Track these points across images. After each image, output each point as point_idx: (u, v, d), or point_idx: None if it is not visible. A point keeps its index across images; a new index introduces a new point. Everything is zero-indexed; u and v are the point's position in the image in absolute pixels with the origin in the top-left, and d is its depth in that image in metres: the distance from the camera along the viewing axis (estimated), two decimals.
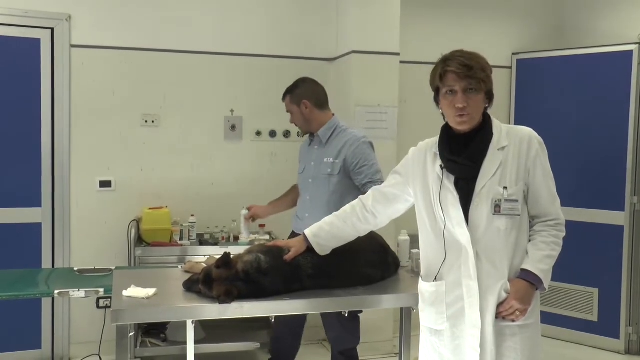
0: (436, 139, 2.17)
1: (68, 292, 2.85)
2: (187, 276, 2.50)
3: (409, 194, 2.28)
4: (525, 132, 2.11)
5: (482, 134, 2.07)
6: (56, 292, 2.84)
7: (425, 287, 2.19)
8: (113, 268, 3.24)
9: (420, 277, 2.26)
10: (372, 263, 2.60)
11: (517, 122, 4.71)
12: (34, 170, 3.97)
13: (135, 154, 4.16)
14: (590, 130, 4.51)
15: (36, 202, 3.99)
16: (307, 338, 3.88)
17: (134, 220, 3.94)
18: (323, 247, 2.41)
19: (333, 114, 3.34)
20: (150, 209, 3.92)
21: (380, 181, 3.03)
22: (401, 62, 4.29)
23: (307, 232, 2.44)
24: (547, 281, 2.04)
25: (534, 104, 4.81)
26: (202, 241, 3.95)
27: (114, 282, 2.58)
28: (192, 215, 3.98)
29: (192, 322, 2.35)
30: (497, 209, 2.02)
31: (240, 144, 4.36)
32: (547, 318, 4.39)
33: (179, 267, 2.92)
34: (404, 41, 4.33)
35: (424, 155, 2.20)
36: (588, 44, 4.68)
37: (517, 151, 2.06)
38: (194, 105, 4.26)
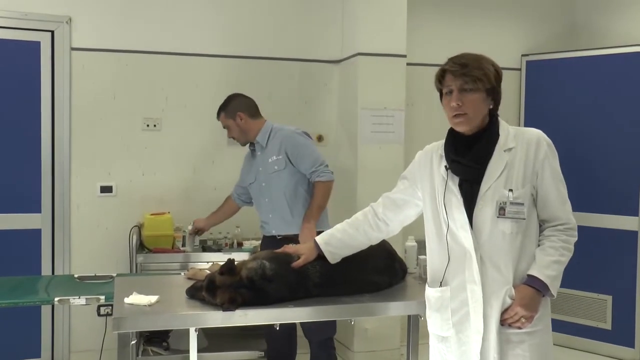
0: (443, 141, 2.18)
1: (68, 299, 2.86)
2: (189, 283, 2.51)
3: (418, 199, 2.29)
4: (533, 133, 2.10)
5: (487, 136, 2.07)
6: (56, 299, 2.85)
7: (431, 293, 2.20)
8: (114, 275, 3.25)
9: (427, 283, 2.27)
10: (379, 269, 2.61)
11: (527, 125, 4.70)
12: (33, 175, 3.99)
13: (136, 159, 4.18)
14: (602, 133, 4.51)
15: (36, 208, 4.01)
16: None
17: (136, 226, 3.95)
18: (334, 255, 2.42)
19: (265, 120, 3.57)
20: (152, 214, 3.93)
21: (323, 167, 3.37)
22: (408, 64, 4.30)
23: (319, 239, 2.44)
24: (554, 288, 2.03)
25: (544, 107, 4.81)
26: (205, 247, 3.95)
27: (115, 289, 2.60)
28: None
29: (195, 330, 2.35)
30: (501, 211, 2.01)
31: (243, 148, 4.37)
32: (559, 326, 4.39)
33: (182, 273, 2.93)
34: (411, 42, 4.34)
35: (430, 157, 2.21)
36: (600, 45, 4.68)
37: (524, 153, 2.05)
38: (196, 108, 4.27)
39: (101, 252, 4.06)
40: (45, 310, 4.03)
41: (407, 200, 2.32)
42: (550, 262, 2.03)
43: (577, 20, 5.15)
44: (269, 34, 4.41)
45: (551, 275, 2.02)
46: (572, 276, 4.20)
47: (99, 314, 2.84)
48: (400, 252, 2.84)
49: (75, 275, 3.34)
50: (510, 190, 2.02)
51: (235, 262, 2.36)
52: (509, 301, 2.02)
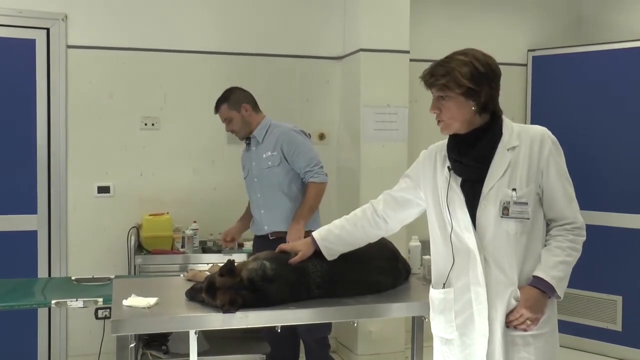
0: (446, 140, 2.19)
1: (65, 302, 2.86)
2: (189, 285, 2.51)
3: (420, 198, 2.29)
4: (537, 131, 2.09)
5: (489, 134, 2.07)
6: (53, 302, 2.86)
7: (434, 295, 2.20)
8: (112, 277, 3.26)
9: (431, 285, 2.27)
10: (382, 270, 2.61)
11: (534, 121, 4.71)
12: (29, 176, 4.01)
13: (134, 158, 4.19)
14: (611, 129, 4.51)
15: (32, 209, 4.02)
16: None
17: (134, 227, 3.97)
18: (331, 251, 2.42)
19: (265, 115, 3.63)
20: (150, 215, 3.95)
21: (318, 167, 3.40)
22: (411, 60, 4.30)
23: (315, 234, 2.45)
24: (561, 289, 2.02)
25: (551, 103, 4.81)
26: (204, 248, 3.97)
27: (113, 292, 2.60)
28: (194, 222, 4.00)
29: (195, 333, 2.36)
30: (505, 211, 2.01)
31: (244, 147, 4.38)
32: (568, 327, 4.39)
33: (181, 275, 2.94)
34: (414, 38, 4.35)
35: (434, 157, 2.22)
36: (608, 39, 4.67)
37: (528, 151, 2.05)
38: (196, 107, 4.28)
39: (99, 254, 4.07)
40: (42, 313, 4.04)
41: (409, 199, 2.33)
42: (556, 263, 2.02)
43: (584, 15, 5.15)
44: (269, 31, 4.42)
45: (557, 276, 2.01)
46: (582, 276, 4.19)
47: (96, 317, 2.85)
48: (403, 252, 2.85)
49: (73, 278, 3.35)
50: (514, 189, 2.02)
51: (236, 263, 2.37)
52: (514, 303, 2.02)
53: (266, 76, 4.39)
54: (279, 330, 2.44)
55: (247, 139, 3.62)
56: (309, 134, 3.76)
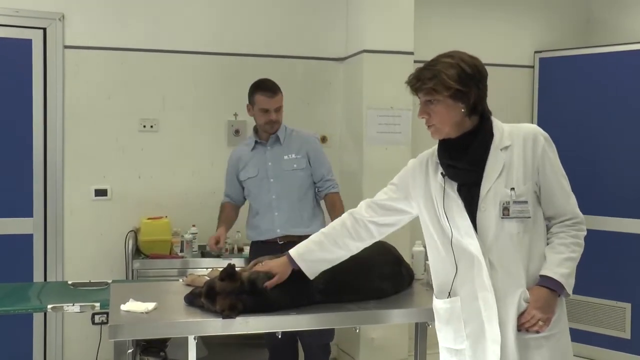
0: (436, 147, 2.18)
1: (62, 306, 2.87)
2: (188, 290, 2.52)
3: (409, 207, 2.27)
4: (529, 128, 2.12)
5: (480, 137, 2.07)
6: (49, 306, 2.87)
7: (439, 305, 2.19)
8: (109, 281, 3.26)
9: (434, 295, 2.26)
10: (385, 275, 2.62)
11: (540, 124, 4.68)
12: (25, 179, 4.01)
13: (132, 161, 4.19)
14: (619, 132, 4.51)
15: (27, 212, 4.03)
16: None
17: (132, 230, 3.97)
18: (312, 270, 2.36)
19: None
20: (148, 219, 3.95)
21: (333, 179, 3.52)
22: (415, 61, 4.29)
23: (293, 252, 2.36)
24: (569, 286, 2.03)
25: (558, 105, 4.81)
26: (204, 253, 3.97)
27: (111, 296, 2.60)
28: (193, 226, 4.01)
29: (194, 339, 2.36)
30: (505, 212, 2.02)
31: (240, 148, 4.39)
32: (575, 335, 4.32)
33: (180, 280, 2.94)
34: (419, 39, 4.35)
35: (425, 165, 2.21)
36: (615, 41, 4.68)
37: (521, 150, 2.06)
38: (195, 108, 4.29)
39: (96, 258, 4.08)
40: (38, 318, 4.04)
41: (396, 207, 2.29)
42: (562, 260, 2.03)
43: (591, 16, 5.16)
44: (270, 31, 4.43)
45: (565, 273, 2.02)
46: (590, 283, 4.22)
47: (93, 322, 2.85)
48: (407, 257, 2.85)
49: (69, 282, 3.35)
50: (512, 188, 2.03)
51: (236, 268, 2.37)
52: (524, 305, 2.02)
53: (268, 77, 4.38)
54: (279, 337, 2.44)
55: (258, 137, 3.55)
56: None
